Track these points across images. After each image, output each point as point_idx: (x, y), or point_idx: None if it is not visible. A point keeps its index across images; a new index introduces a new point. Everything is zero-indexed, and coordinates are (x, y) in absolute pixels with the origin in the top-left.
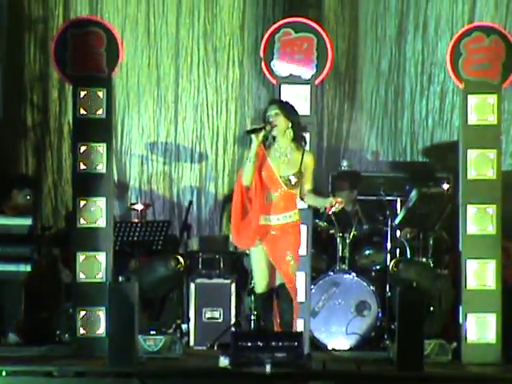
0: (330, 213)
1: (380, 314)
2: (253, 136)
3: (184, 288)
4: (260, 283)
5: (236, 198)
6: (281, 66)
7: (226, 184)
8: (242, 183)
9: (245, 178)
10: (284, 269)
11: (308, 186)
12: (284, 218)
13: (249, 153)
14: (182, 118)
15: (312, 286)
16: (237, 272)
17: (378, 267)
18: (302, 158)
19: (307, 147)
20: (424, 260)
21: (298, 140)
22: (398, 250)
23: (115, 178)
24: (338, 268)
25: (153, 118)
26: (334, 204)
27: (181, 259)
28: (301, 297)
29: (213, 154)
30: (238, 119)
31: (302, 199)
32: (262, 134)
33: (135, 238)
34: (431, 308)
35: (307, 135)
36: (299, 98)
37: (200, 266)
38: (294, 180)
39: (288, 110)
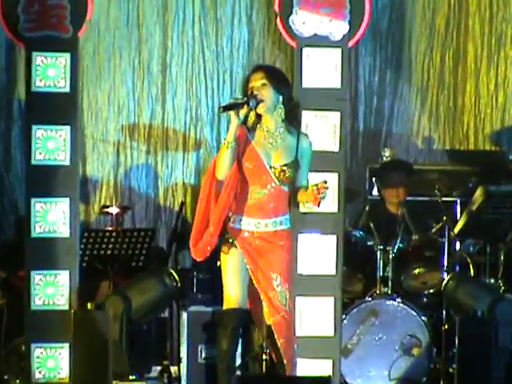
0: (317, 206)
1: (434, 353)
2: (231, 114)
3: (173, 317)
4: (233, 295)
5: (202, 196)
6: (302, 24)
7: None
8: (215, 176)
9: (220, 170)
10: (269, 296)
11: (304, 181)
12: (274, 225)
13: (227, 135)
14: (172, 94)
15: (343, 316)
16: None
17: (431, 291)
18: (298, 143)
19: (330, 130)
20: (492, 281)
21: (290, 120)
22: (458, 268)
23: (81, 172)
24: (377, 292)
25: (132, 92)
26: (317, 191)
27: (175, 274)
28: (328, 329)
29: (213, 141)
30: (241, 90)
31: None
32: (243, 111)
33: (109, 252)
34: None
35: (335, 115)
36: (326, 65)
37: (195, 290)
38: (288, 172)
39: (278, 79)
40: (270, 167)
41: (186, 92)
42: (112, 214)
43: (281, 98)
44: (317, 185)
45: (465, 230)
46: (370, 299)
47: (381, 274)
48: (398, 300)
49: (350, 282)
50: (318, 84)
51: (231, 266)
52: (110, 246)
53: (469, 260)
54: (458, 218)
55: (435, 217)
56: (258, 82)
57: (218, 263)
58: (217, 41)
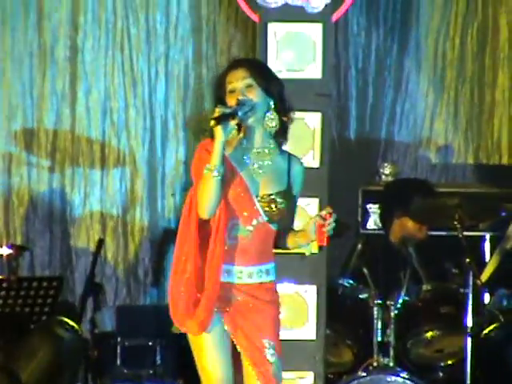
0: (324, 246)
1: None
2: (219, 128)
3: None
4: (214, 375)
5: (180, 241)
6: None
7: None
8: (198, 214)
9: (205, 206)
10: (260, 368)
11: (293, 218)
12: (259, 275)
13: (211, 159)
14: (85, 90)
15: None
16: (187, 372)
17: (449, 362)
18: (290, 167)
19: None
20: None
21: (281, 134)
22: (487, 330)
23: None
24: (374, 364)
25: (30, 88)
26: (323, 219)
27: (69, 321)
28: None
29: (143, 156)
30: (182, 83)
31: (277, 244)
32: (232, 123)
33: None
34: None
35: (314, 118)
36: (301, 48)
37: (119, 362)
38: (280, 204)
39: (268, 77)
40: (257, 197)
41: (104, 88)
42: (2, 256)
43: (272, 104)
44: (320, 215)
45: (496, 276)
46: (364, 374)
47: (379, 338)
48: (404, 375)
49: (336, 350)
50: (290, 74)
51: (207, 335)
52: (0, 300)
53: (501, 318)
54: (487, 259)
55: (454, 258)
56: (240, 82)
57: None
58: (147, 16)
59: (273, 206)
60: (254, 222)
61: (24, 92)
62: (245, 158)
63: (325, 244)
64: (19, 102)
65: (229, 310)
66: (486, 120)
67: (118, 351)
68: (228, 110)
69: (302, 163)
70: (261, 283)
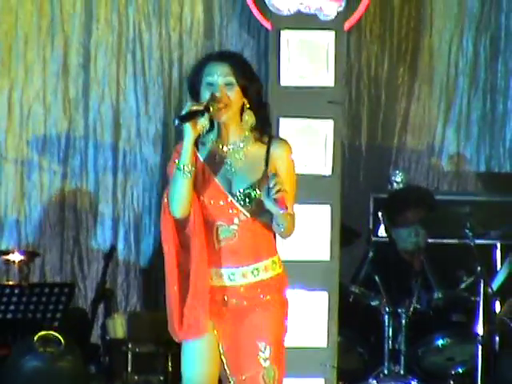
0: (282, 210)
1: None
2: (187, 125)
3: None
4: (194, 376)
5: (167, 248)
6: None
7: None
8: (172, 215)
9: (176, 205)
10: (251, 375)
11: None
12: (256, 273)
13: (179, 157)
14: (97, 97)
15: None
16: None
17: (460, 370)
18: (268, 153)
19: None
20: None
21: (261, 126)
22: (497, 339)
23: None
24: (385, 371)
25: (43, 94)
26: (271, 185)
27: (56, 335)
28: None
29: (155, 163)
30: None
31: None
32: (203, 120)
33: (9, 316)
34: None
35: (326, 125)
36: (314, 55)
37: (130, 368)
38: (254, 193)
39: (248, 75)
40: (233, 194)
41: (116, 94)
42: (13, 262)
43: (247, 104)
44: (268, 187)
45: (507, 285)
46: (374, 382)
47: (390, 346)
48: (415, 383)
49: (346, 357)
50: (303, 81)
51: (197, 346)
52: (11, 307)
53: None
54: (498, 268)
55: (466, 267)
56: (220, 78)
57: None
58: (159, 22)
59: (247, 199)
60: (236, 220)
61: (37, 98)
62: (218, 156)
63: (285, 208)
64: (32, 109)
65: (222, 317)
66: (498, 128)
67: (129, 358)
68: (198, 108)
69: (283, 145)
70: (258, 281)
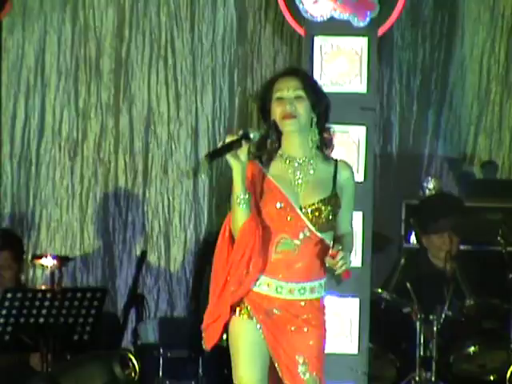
0: (346, 276)
1: None
2: (229, 159)
3: None
4: (246, 379)
5: (218, 262)
6: (313, 3)
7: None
8: (232, 235)
9: (236, 229)
10: (292, 382)
11: (347, 227)
12: (302, 292)
13: (233, 189)
14: (129, 102)
15: None
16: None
17: (491, 377)
18: (336, 173)
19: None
20: None
21: (326, 144)
22: None
23: None
24: (416, 378)
25: (75, 100)
26: (333, 261)
27: (133, 359)
28: None
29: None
30: (228, 97)
31: None
32: (244, 149)
33: (41, 320)
34: None
35: (359, 131)
36: (347, 61)
37: (161, 373)
38: (326, 211)
39: (317, 91)
40: (300, 208)
41: (148, 100)
42: (46, 267)
43: (315, 118)
44: (330, 256)
45: None
46: None
47: (421, 353)
48: None
49: (378, 364)
50: (335, 87)
51: (244, 340)
52: (43, 311)
53: None
54: None
55: (499, 274)
56: (291, 92)
57: (224, 337)
58: (192, 28)
59: (317, 213)
60: (301, 235)
61: (69, 103)
62: (284, 171)
63: (346, 277)
64: (64, 114)
65: (267, 322)
66: None
67: (161, 363)
68: (235, 138)
69: (350, 168)
70: (303, 300)
